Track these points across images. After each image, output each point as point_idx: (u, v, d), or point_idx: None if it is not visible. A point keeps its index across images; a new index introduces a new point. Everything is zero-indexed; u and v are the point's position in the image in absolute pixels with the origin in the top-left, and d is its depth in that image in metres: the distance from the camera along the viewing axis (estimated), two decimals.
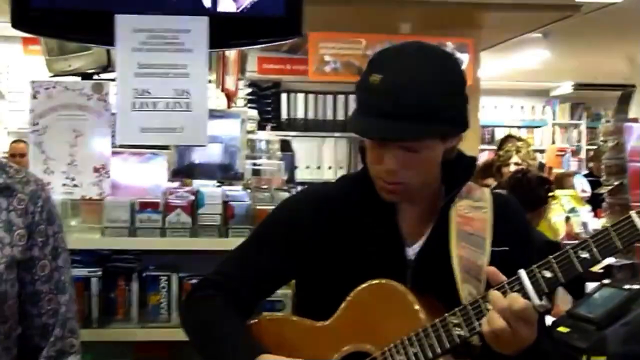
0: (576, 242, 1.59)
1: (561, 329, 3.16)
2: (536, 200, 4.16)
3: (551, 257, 1.56)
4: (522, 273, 1.57)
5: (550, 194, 4.42)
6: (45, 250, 1.76)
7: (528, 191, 4.10)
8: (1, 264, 1.66)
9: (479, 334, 1.61)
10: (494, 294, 1.58)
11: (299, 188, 6.07)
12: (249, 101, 7.27)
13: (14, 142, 7.31)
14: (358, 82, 1.74)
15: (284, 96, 7.72)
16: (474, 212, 1.80)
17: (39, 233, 1.75)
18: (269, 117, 7.46)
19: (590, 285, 3.46)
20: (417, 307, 1.68)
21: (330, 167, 7.74)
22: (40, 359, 1.76)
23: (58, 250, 1.79)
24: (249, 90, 7.37)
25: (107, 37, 2.80)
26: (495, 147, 8.61)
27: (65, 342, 1.78)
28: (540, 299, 1.56)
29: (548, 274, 1.56)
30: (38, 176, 1.85)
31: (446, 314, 1.63)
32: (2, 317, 1.68)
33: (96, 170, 2.93)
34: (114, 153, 3.00)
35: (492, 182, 5.66)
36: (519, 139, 6.09)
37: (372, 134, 1.69)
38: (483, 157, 9.01)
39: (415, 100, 1.63)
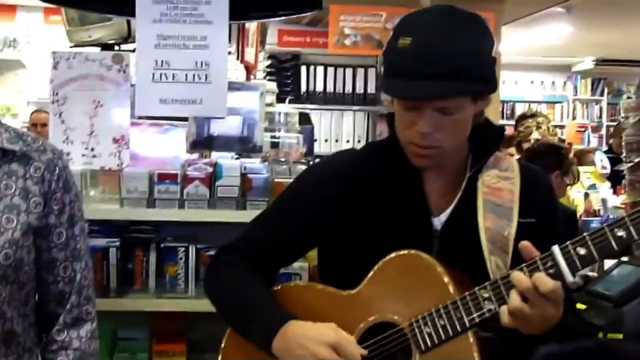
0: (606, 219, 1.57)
1: (578, 305, 3.15)
2: (547, 167, 4.11)
3: (587, 234, 1.53)
4: (556, 249, 1.55)
5: (569, 163, 4.37)
6: (62, 218, 1.77)
7: (537, 157, 4.06)
8: (17, 231, 1.68)
9: None
10: (516, 274, 1.56)
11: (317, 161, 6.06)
12: (268, 73, 7.24)
13: (35, 112, 7.34)
14: (386, 48, 1.74)
15: (303, 69, 7.68)
16: (501, 182, 1.79)
17: (55, 201, 1.75)
18: (288, 89, 7.44)
19: (608, 263, 3.45)
20: (446, 279, 1.67)
21: (348, 141, 7.71)
22: (57, 326, 1.78)
23: (74, 218, 1.79)
24: (268, 62, 7.34)
25: (127, 8, 2.80)
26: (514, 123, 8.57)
27: (81, 309, 1.80)
28: (574, 276, 1.54)
29: (582, 251, 1.53)
30: (56, 146, 1.85)
31: (476, 288, 1.63)
32: (19, 284, 1.70)
33: (115, 141, 2.94)
34: (133, 124, 3.01)
35: (513, 151, 5.65)
36: (540, 115, 6.05)
37: (409, 94, 1.68)
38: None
39: (448, 59, 1.63)
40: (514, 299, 1.55)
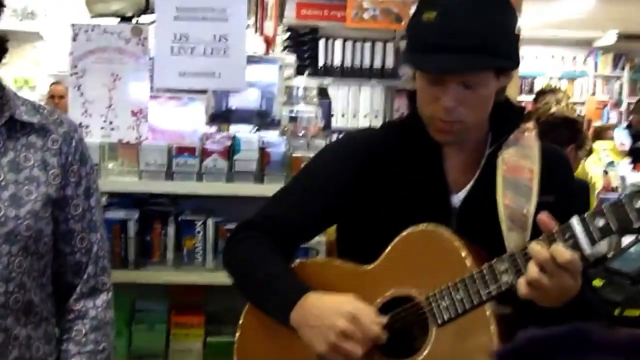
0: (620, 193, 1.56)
1: (595, 282, 3.15)
2: (561, 140, 4.04)
3: (604, 205, 1.53)
4: (574, 221, 1.55)
5: (584, 136, 4.29)
6: (78, 190, 1.79)
7: (551, 130, 4.00)
8: (38, 202, 1.69)
9: None
10: (534, 246, 1.56)
11: (335, 136, 6.06)
12: (286, 47, 7.23)
13: (53, 84, 7.36)
14: (410, 22, 1.74)
15: (321, 42, 7.66)
16: (520, 160, 1.79)
17: (72, 173, 1.77)
18: (305, 63, 7.42)
19: (626, 240, 3.44)
20: (463, 253, 1.67)
21: (365, 115, 7.70)
22: (74, 295, 1.81)
23: (90, 190, 1.81)
24: (287, 35, 7.32)
25: None
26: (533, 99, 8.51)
27: (97, 280, 1.83)
28: (592, 247, 1.54)
29: (601, 223, 1.53)
30: (75, 119, 1.86)
31: (493, 260, 1.63)
32: (38, 254, 1.71)
33: (134, 114, 2.94)
34: (151, 97, 3.01)
35: (531, 126, 5.61)
36: (559, 91, 6.02)
37: (435, 67, 1.68)
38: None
39: (474, 33, 1.63)
40: (532, 269, 1.55)
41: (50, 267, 1.78)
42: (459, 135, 1.75)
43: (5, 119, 1.70)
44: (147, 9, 3.35)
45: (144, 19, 3.38)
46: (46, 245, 1.73)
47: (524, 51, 9.96)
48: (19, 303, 1.68)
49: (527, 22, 8.87)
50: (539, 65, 12.65)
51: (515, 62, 1.73)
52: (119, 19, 3.41)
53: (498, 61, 1.68)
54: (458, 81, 1.67)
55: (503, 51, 1.68)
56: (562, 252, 1.53)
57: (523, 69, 10.62)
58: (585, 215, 1.55)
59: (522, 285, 1.57)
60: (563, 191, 1.81)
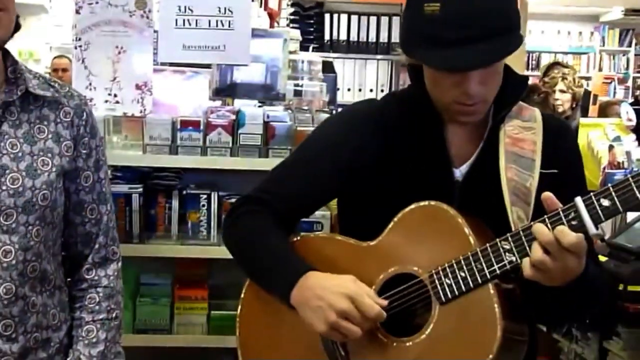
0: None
1: (600, 257, 3.14)
2: None
3: (610, 185, 1.51)
4: (579, 200, 1.53)
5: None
6: (89, 162, 1.84)
7: None
8: (52, 173, 1.75)
9: None
10: (538, 226, 1.55)
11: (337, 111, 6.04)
12: (292, 21, 7.19)
13: (57, 57, 7.34)
14: (410, 14, 1.69)
15: (327, 17, 7.63)
16: (523, 132, 1.77)
17: (83, 145, 1.82)
18: (311, 37, 7.39)
19: (631, 215, 3.43)
20: (467, 230, 1.66)
21: (371, 90, 7.68)
22: (86, 265, 1.87)
23: (99, 162, 1.87)
24: (292, 10, 7.29)
25: None
26: (539, 74, 8.47)
27: (108, 250, 1.89)
28: (596, 228, 1.52)
29: (606, 202, 1.51)
30: (80, 91, 1.88)
31: (497, 239, 1.62)
32: (53, 224, 1.78)
33: (138, 87, 2.93)
34: (155, 70, 3.00)
35: (537, 99, 5.60)
36: (566, 66, 5.99)
37: (461, 66, 1.63)
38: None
39: (486, 20, 1.60)
40: (536, 251, 1.54)
41: (60, 237, 1.84)
42: (482, 113, 1.74)
43: (21, 92, 1.74)
44: None
45: None
46: (59, 215, 1.79)
47: (530, 26, 9.92)
48: (35, 272, 1.74)
49: None
50: (545, 40, 12.57)
51: (520, 28, 1.70)
52: None
53: (514, 38, 1.65)
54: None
55: (515, 25, 1.65)
56: (567, 233, 1.51)
57: (529, 44, 10.57)
58: (591, 194, 1.53)
59: (526, 266, 1.56)
60: (567, 164, 1.79)
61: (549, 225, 1.54)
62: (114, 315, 1.87)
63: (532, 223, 1.58)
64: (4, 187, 1.69)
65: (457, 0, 1.60)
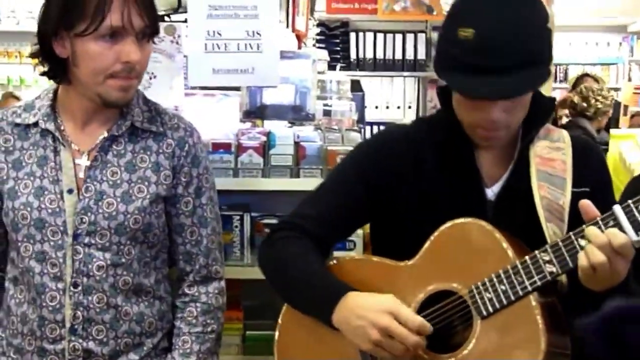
0: None
1: None
2: None
3: None
4: (617, 208, 1.54)
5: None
6: (189, 189, 2.00)
7: None
8: (146, 199, 1.94)
9: (568, 271, 1.60)
10: (591, 229, 1.56)
11: (369, 128, 6.06)
12: (318, 41, 7.22)
13: None
14: (444, 38, 1.72)
15: (352, 35, 7.66)
16: (553, 152, 1.79)
17: (183, 174, 1.99)
18: (337, 57, 7.42)
19: None
20: (505, 244, 1.67)
21: (399, 107, 7.69)
22: (187, 282, 2.05)
23: (202, 189, 2.03)
24: (318, 30, 7.33)
25: None
26: (567, 86, 8.43)
27: (209, 269, 2.06)
28: (637, 234, 1.53)
29: None
30: (190, 121, 2.06)
31: (536, 251, 1.62)
32: (149, 243, 1.99)
33: None
34: (186, 95, 3.03)
35: (567, 112, 5.58)
36: (595, 78, 5.97)
37: (487, 95, 1.65)
38: (556, 96, 8.81)
39: (517, 50, 1.61)
40: (596, 253, 1.53)
41: (165, 253, 2.03)
42: (503, 139, 1.75)
43: (126, 127, 1.93)
44: (178, 7, 3.38)
45: (175, 17, 3.41)
46: (157, 236, 1.99)
47: (557, 38, 9.87)
48: (128, 284, 1.95)
49: (560, 9, 8.78)
50: (572, 52, 12.50)
51: (551, 59, 1.72)
52: None
53: (543, 69, 1.67)
54: None
55: (545, 57, 1.67)
56: (619, 235, 1.53)
57: (557, 56, 10.51)
58: (629, 202, 1.54)
59: (585, 266, 1.56)
60: (597, 182, 1.80)
61: (602, 227, 1.54)
62: (209, 329, 2.05)
63: (571, 233, 1.58)
64: (100, 211, 1.92)
65: (491, 29, 1.62)
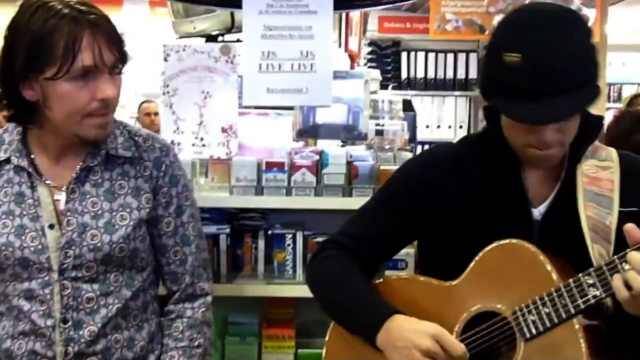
0: None
1: None
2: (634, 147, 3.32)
3: None
4: None
5: None
6: (169, 209, 1.97)
7: (622, 137, 3.37)
8: (129, 226, 1.89)
9: (612, 295, 1.59)
10: (634, 254, 1.54)
11: (420, 147, 6.05)
12: (369, 60, 7.26)
13: (145, 102, 7.56)
14: (490, 63, 1.71)
15: (404, 55, 7.68)
16: (600, 172, 1.77)
17: (162, 194, 1.95)
18: (389, 76, 7.44)
19: None
20: (549, 267, 1.67)
21: (450, 127, 7.67)
22: (173, 300, 2.03)
23: (182, 208, 1.98)
24: (369, 49, 7.36)
25: (233, 0, 2.86)
26: (622, 106, 8.32)
27: (194, 287, 2.03)
28: None
29: None
30: (167, 137, 1.99)
31: (580, 274, 1.62)
32: (137, 268, 1.95)
33: (224, 130, 3.01)
34: (240, 114, 3.07)
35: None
36: None
37: (538, 119, 1.65)
38: (609, 116, 8.71)
39: (566, 74, 1.60)
40: (635, 278, 1.52)
41: (153, 273, 2.00)
42: (557, 158, 1.75)
43: (101, 157, 1.89)
44: (232, 27, 3.42)
45: (229, 36, 3.46)
46: (144, 259, 1.95)
47: (610, 58, 9.77)
48: (118, 312, 1.91)
49: (614, 29, 8.70)
50: (626, 71, 12.35)
51: (598, 74, 1.70)
52: (204, 39, 3.50)
53: (592, 90, 1.66)
54: None
55: (593, 75, 1.66)
56: None
57: (610, 76, 10.40)
58: None
59: (623, 295, 1.55)
60: None
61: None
62: (195, 344, 2.00)
63: (615, 257, 1.58)
64: (84, 243, 1.86)
65: (537, 53, 1.61)
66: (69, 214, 1.86)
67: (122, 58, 1.82)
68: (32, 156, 1.89)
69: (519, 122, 1.69)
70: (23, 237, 1.85)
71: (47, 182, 1.87)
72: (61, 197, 1.87)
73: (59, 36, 1.71)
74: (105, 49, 1.75)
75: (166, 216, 1.96)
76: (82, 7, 1.75)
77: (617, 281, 1.55)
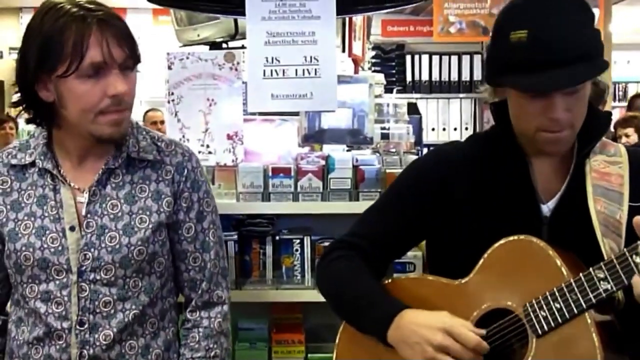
0: None
1: None
2: None
3: None
4: None
5: None
6: (190, 214, 1.97)
7: None
8: (149, 229, 1.90)
9: (624, 288, 1.59)
10: None
11: (425, 150, 6.05)
12: (373, 64, 7.26)
13: (151, 110, 7.55)
14: (496, 46, 1.73)
15: (408, 58, 7.68)
16: (609, 167, 1.78)
17: (183, 199, 1.96)
18: (393, 79, 7.45)
19: None
20: (559, 262, 1.67)
21: (455, 129, 7.67)
22: (190, 308, 2.02)
23: (203, 214, 1.99)
24: (373, 53, 7.36)
25: (235, 7, 2.87)
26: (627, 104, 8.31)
27: (211, 294, 2.02)
28: None
29: None
30: (187, 146, 2.04)
31: (591, 268, 1.61)
32: (156, 273, 1.95)
33: (229, 137, 3.02)
34: (245, 120, 3.08)
35: (632, 132, 5.51)
36: None
37: (547, 87, 1.66)
38: (615, 115, 8.69)
39: (573, 45, 1.63)
40: None
41: (171, 281, 2.01)
42: (568, 142, 1.75)
43: (122, 160, 1.91)
44: (236, 34, 3.43)
45: (233, 43, 3.47)
46: (163, 264, 1.96)
47: (615, 56, 9.75)
48: (135, 318, 1.91)
49: (618, 27, 8.69)
50: (631, 70, 12.33)
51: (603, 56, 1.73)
52: (208, 46, 3.51)
53: (598, 63, 1.68)
54: (563, 92, 1.67)
55: (599, 51, 1.68)
56: None
57: (615, 74, 10.39)
58: None
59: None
60: None
61: None
62: (212, 354, 2.00)
63: (625, 250, 1.58)
64: (103, 245, 1.87)
65: (543, 27, 1.64)
66: (89, 216, 1.89)
67: (133, 55, 1.85)
68: (56, 159, 1.93)
69: (526, 98, 1.69)
70: (43, 238, 1.88)
71: (70, 184, 1.91)
72: (83, 199, 1.90)
73: (69, 34, 1.75)
74: (114, 45, 1.79)
75: (187, 221, 1.97)
76: (91, 6, 1.80)
77: (637, 277, 1.55)
